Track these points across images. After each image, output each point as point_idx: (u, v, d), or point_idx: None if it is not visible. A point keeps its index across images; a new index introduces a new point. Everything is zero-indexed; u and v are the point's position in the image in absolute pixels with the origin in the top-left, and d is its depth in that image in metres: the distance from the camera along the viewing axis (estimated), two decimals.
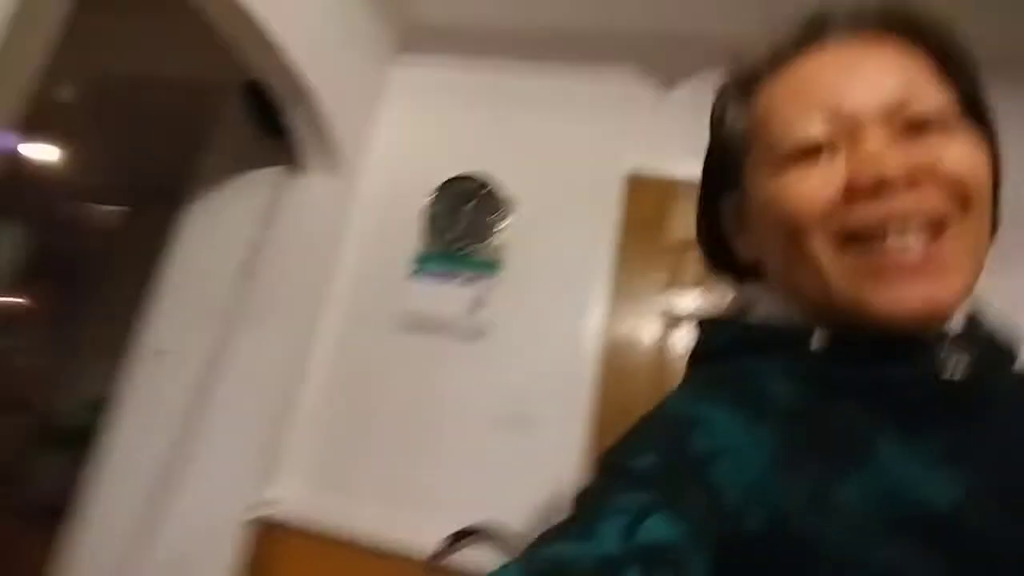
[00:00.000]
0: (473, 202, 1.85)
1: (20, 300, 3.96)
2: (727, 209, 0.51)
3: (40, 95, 1.08)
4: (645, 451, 0.37)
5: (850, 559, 0.33)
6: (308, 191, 1.89)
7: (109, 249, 3.67)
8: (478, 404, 1.67)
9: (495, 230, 1.82)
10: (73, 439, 2.54)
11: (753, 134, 0.46)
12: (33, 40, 1.04)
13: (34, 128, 2.86)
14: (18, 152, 2.96)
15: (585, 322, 1.71)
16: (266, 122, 1.92)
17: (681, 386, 0.45)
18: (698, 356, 0.50)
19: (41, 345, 3.84)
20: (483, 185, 1.86)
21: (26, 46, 1.02)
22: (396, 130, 2.03)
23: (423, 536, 1.48)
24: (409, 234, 1.88)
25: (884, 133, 0.40)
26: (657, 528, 0.32)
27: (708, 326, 0.51)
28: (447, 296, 1.80)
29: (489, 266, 1.81)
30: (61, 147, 3.06)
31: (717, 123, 0.50)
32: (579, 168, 1.87)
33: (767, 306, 0.47)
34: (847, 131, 0.41)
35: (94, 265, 3.70)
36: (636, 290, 1.74)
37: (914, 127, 0.41)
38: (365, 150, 1.99)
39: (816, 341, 0.41)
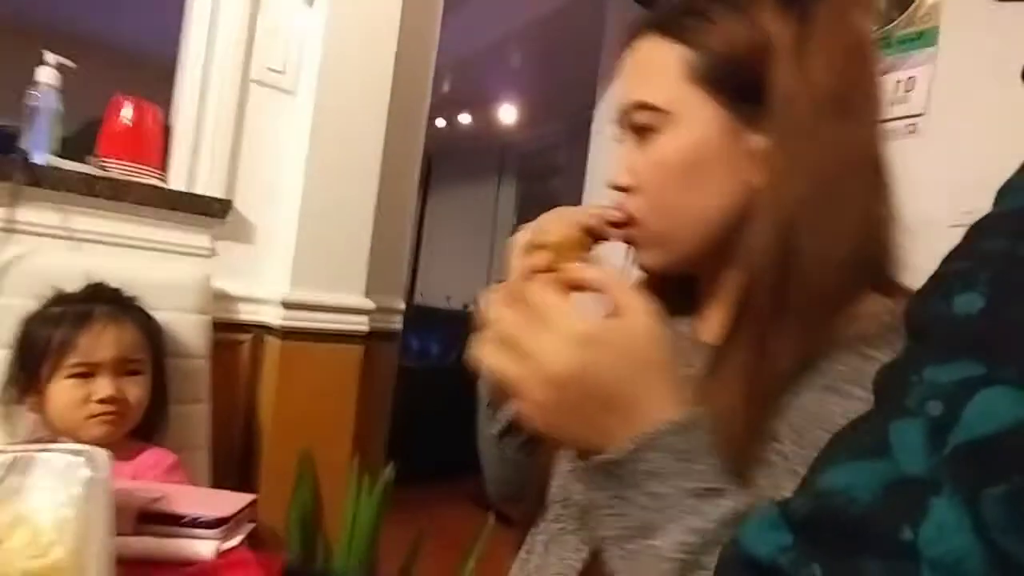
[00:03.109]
0: None
1: None
2: None
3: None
4: (966, 287, 0.23)
5: None
6: None
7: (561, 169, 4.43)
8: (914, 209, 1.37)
9: None
10: None
11: None
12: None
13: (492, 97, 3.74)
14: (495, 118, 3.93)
15: None
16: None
17: None
18: None
19: None
20: None
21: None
22: None
23: None
24: None
25: None
26: (988, 413, 0.20)
27: None
28: None
29: (917, 40, 1.44)
30: (517, 106, 3.91)
31: None
32: None
33: None
34: None
35: (558, 189, 4.51)
36: None
37: None
38: None
39: None
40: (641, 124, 0.46)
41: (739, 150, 0.44)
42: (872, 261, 0.42)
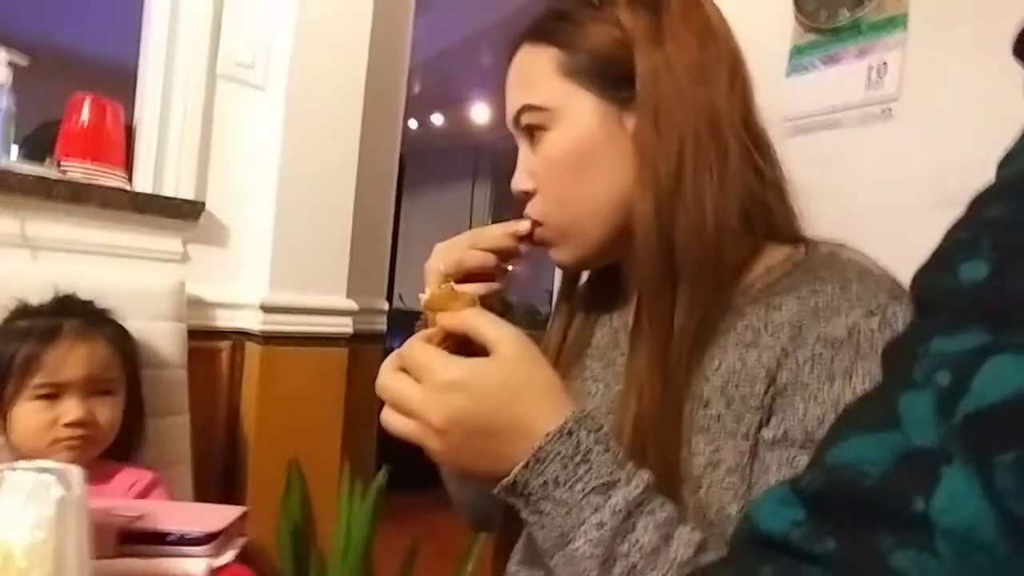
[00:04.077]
0: None
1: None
2: None
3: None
4: (969, 255, 0.22)
5: None
6: None
7: None
8: (893, 193, 1.38)
9: None
10: None
11: None
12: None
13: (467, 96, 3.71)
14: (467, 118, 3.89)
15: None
16: None
17: None
18: None
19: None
20: None
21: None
22: None
23: None
24: (779, 33, 1.67)
25: None
26: (997, 381, 0.19)
27: None
28: (836, 80, 1.53)
29: (887, 25, 1.45)
30: (490, 106, 3.88)
31: None
32: None
33: None
34: None
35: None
36: None
37: None
38: None
39: None
40: (530, 125, 0.48)
41: (622, 134, 0.46)
42: (760, 218, 0.45)
